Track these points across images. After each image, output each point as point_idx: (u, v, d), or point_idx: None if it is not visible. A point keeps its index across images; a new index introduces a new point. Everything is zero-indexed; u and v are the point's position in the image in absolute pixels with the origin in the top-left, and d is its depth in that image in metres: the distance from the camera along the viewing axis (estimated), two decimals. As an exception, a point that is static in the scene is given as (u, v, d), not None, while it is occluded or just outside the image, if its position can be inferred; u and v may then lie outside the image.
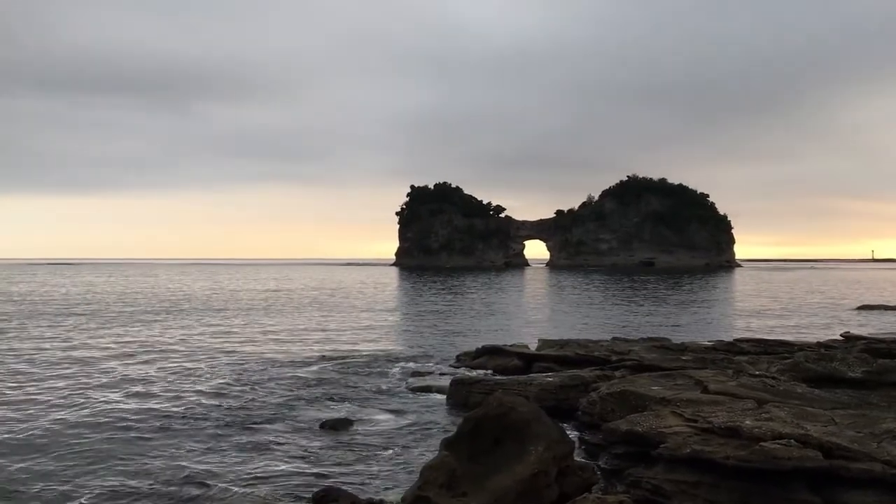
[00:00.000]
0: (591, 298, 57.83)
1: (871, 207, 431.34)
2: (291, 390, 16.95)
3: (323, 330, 31.63)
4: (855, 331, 26.59)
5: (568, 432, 11.83)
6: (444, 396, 16.00)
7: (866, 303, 48.55)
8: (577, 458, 10.06)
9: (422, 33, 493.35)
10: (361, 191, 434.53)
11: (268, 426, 13.34)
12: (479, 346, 21.86)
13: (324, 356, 22.80)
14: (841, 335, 23.72)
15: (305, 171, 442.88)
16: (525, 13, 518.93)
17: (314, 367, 20.42)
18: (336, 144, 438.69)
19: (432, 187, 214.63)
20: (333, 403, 15.55)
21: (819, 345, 20.52)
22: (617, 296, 61.51)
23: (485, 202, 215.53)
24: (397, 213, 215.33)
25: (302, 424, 13.52)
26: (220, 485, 9.77)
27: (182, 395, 16.24)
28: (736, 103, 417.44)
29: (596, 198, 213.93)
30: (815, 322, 36.69)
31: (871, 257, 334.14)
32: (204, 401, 15.52)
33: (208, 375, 18.97)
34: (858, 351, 17.51)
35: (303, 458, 11.18)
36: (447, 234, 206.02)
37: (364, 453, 11.44)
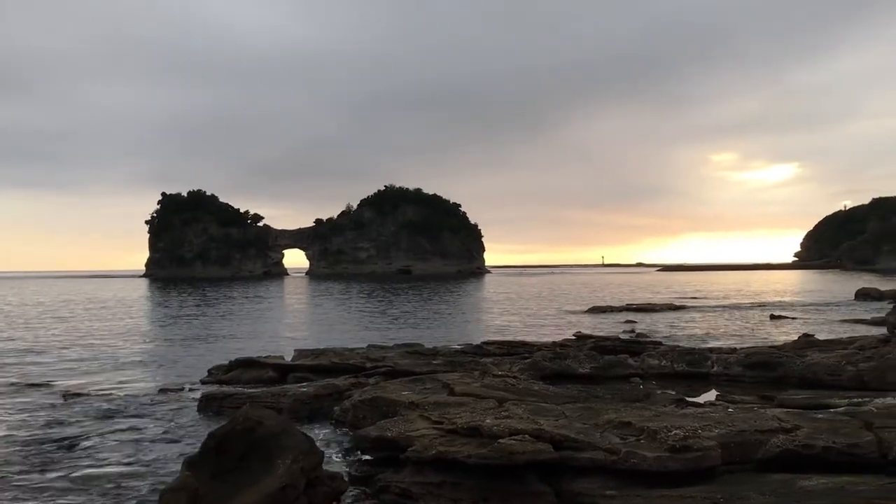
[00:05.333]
0: (350, 307, 58.23)
1: (601, 217, 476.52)
2: (8, 414, 15.29)
3: (57, 348, 28.92)
4: (586, 331, 29.16)
5: (322, 441, 11.83)
6: (194, 413, 15.30)
7: (596, 304, 53.33)
8: (330, 468, 10.06)
9: (175, 35, 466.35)
10: (107, 198, 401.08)
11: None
12: (233, 359, 21.16)
13: (55, 376, 20.87)
14: (574, 335, 25.93)
15: (42, 176, 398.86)
16: (287, 21, 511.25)
17: (39, 392, 18.56)
18: (77, 149, 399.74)
19: (185, 195, 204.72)
20: (62, 427, 14.19)
21: (555, 344, 22.22)
22: (375, 303, 62.47)
23: (242, 211, 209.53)
24: (147, 222, 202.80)
25: (22, 452, 12.16)
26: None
27: None
28: (488, 117, 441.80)
29: (355, 207, 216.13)
30: (552, 323, 39.66)
31: (601, 263, 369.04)
32: None
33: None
34: (588, 349, 19.25)
35: (23, 488, 10.09)
36: (202, 243, 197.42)
37: (98, 479, 10.57)
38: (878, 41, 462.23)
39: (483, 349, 21.53)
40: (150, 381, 20.02)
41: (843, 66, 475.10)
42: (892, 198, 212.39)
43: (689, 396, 14.10)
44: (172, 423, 14.48)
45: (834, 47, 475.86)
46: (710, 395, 14.53)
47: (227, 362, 21.11)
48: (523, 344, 22.75)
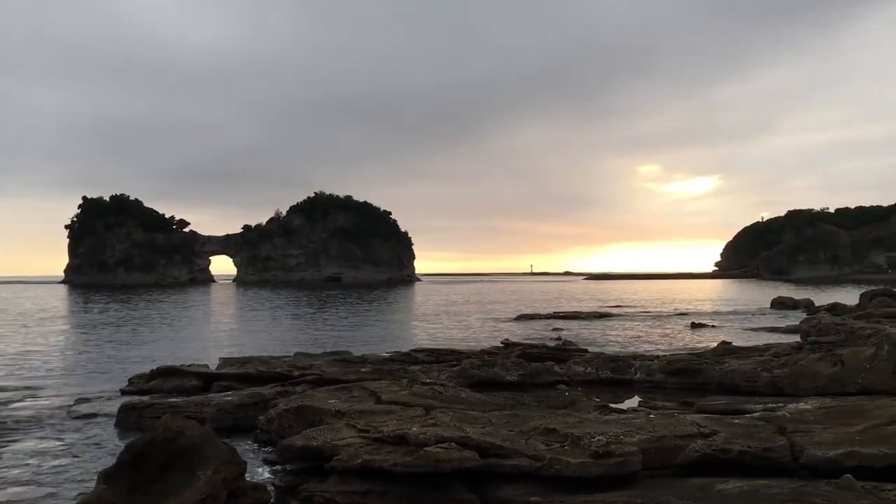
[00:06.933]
0: (278, 314, 57.40)
1: (530, 226, 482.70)
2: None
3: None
4: (513, 338, 29.42)
5: (246, 451, 11.62)
6: (112, 425, 14.82)
7: (524, 312, 53.90)
8: (255, 478, 9.88)
9: (99, 38, 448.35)
10: (23, 202, 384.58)
11: None
12: (154, 368, 20.58)
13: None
14: (501, 342, 26.14)
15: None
16: (217, 28, 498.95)
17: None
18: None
19: (108, 199, 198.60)
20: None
21: (483, 352, 22.36)
22: (303, 311, 61.74)
23: (167, 216, 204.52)
24: (67, 227, 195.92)
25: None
26: None
27: None
28: (417, 127, 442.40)
29: (284, 213, 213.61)
30: (481, 331, 39.90)
31: (530, 271, 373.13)
32: None
33: None
34: (515, 356, 19.41)
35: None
36: (125, 248, 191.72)
37: (10, 495, 10.13)
38: (794, 60, 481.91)
39: (412, 357, 21.51)
40: (67, 392, 19.30)
41: (761, 84, 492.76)
42: (806, 210, 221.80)
43: (613, 403, 14.39)
44: (89, 436, 14.00)
45: (752, 65, 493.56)
46: (634, 402, 14.85)
47: (148, 371, 20.54)
48: (452, 352, 22.81)
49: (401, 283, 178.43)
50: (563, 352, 21.88)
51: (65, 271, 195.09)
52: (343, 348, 26.66)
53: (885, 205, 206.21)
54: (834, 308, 43.06)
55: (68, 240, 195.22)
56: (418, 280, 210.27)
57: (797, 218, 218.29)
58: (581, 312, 53.21)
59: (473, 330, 40.95)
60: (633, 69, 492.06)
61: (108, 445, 13.10)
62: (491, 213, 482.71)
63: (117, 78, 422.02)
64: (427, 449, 8.39)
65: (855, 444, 8.63)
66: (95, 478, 10.61)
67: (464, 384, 15.67)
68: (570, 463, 8.20)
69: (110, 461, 11.54)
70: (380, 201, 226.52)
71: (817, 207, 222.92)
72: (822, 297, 65.60)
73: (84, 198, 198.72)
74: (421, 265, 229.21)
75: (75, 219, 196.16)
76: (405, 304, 77.96)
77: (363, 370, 18.12)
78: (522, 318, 49.49)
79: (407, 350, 23.87)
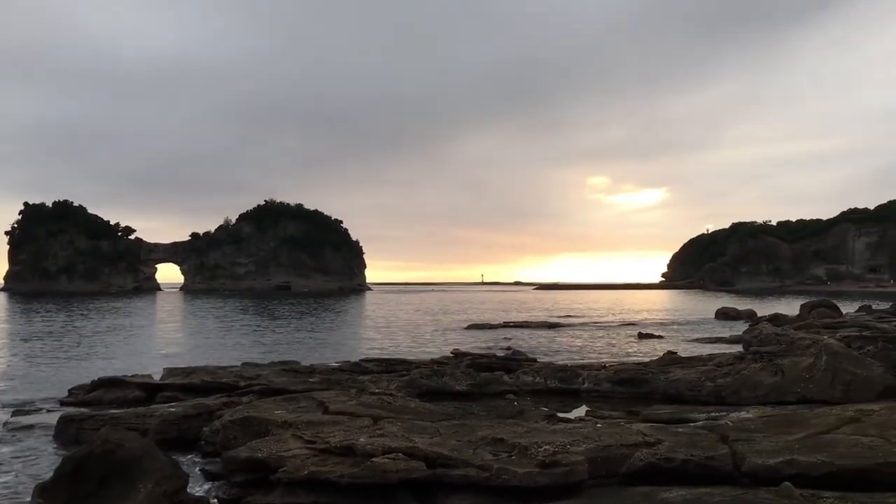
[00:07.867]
0: (226, 323, 56.54)
1: (481, 236, 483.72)
2: None
3: None
4: (463, 348, 29.45)
5: (190, 463, 11.41)
6: (50, 437, 14.40)
7: (474, 322, 54.07)
8: (199, 491, 9.70)
9: (46, 38, 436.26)
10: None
11: None
12: (96, 378, 20.09)
13: None
14: (451, 352, 26.11)
15: None
16: (166, 30, 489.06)
17: None
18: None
19: (50, 205, 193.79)
20: None
21: (433, 362, 22.32)
22: (252, 320, 60.97)
23: (112, 223, 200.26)
24: (7, 233, 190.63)
25: None
26: None
27: None
28: (368, 136, 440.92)
29: (233, 221, 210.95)
30: (431, 340, 39.86)
31: (480, 281, 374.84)
32: None
33: None
34: (465, 366, 19.44)
35: None
36: (68, 256, 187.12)
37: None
38: (737, 74, 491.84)
39: (361, 367, 21.39)
40: (4, 403, 18.70)
41: (705, 97, 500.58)
42: (749, 223, 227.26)
43: (560, 412, 14.51)
44: (26, 448, 13.58)
45: (698, 79, 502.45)
46: (581, 411, 15.00)
47: (89, 382, 20.04)
48: (401, 361, 22.77)
49: (351, 293, 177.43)
50: (513, 361, 21.99)
51: (4, 279, 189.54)
52: (291, 358, 26.38)
53: (824, 218, 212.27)
54: (775, 319, 44.10)
55: (8, 246, 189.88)
56: (369, 289, 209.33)
57: (741, 230, 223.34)
58: (531, 322, 53.55)
59: (423, 339, 40.89)
60: (582, 82, 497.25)
61: (46, 458, 12.72)
62: (442, 223, 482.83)
63: (61, 80, 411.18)
64: (374, 460, 8.34)
65: (794, 452, 8.84)
66: (28, 493, 10.34)
67: (413, 394, 15.64)
68: (516, 472, 8.24)
69: (48, 475, 11.24)
70: (331, 210, 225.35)
71: (760, 220, 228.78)
72: (765, 308, 67.15)
73: (25, 203, 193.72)
74: (372, 274, 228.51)
75: (16, 225, 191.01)
76: (355, 313, 77.53)
77: (311, 380, 17.96)
78: (472, 327, 49.61)
79: (356, 360, 23.72)
